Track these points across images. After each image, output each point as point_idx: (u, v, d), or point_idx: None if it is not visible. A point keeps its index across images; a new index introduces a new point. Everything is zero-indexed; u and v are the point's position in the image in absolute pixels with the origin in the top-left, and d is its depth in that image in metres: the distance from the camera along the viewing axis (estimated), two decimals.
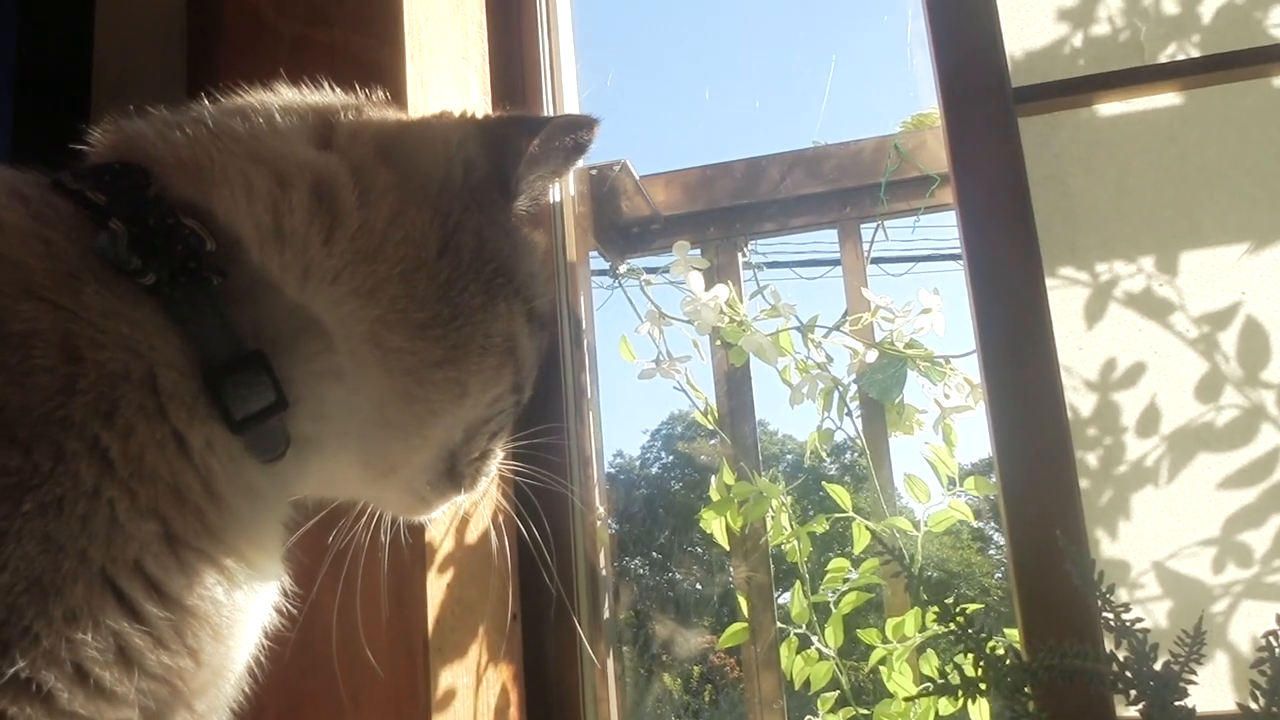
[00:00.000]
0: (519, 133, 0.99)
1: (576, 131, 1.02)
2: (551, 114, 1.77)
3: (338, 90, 1.02)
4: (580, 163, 1.08)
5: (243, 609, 0.84)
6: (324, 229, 0.86)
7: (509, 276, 0.96)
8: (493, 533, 1.20)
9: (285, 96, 0.98)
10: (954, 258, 2.16)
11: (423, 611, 1.34)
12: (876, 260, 2.42)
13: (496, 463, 1.06)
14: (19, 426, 0.71)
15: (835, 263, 2.43)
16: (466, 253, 0.92)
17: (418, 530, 1.26)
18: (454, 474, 1.01)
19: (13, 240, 0.77)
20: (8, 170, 0.85)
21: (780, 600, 2.26)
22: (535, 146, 0.99)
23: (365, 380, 0.89)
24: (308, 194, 0.86)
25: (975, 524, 2.19)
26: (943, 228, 2.42)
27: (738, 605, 2.23)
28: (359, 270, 0.87)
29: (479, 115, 1.03)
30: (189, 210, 0.84)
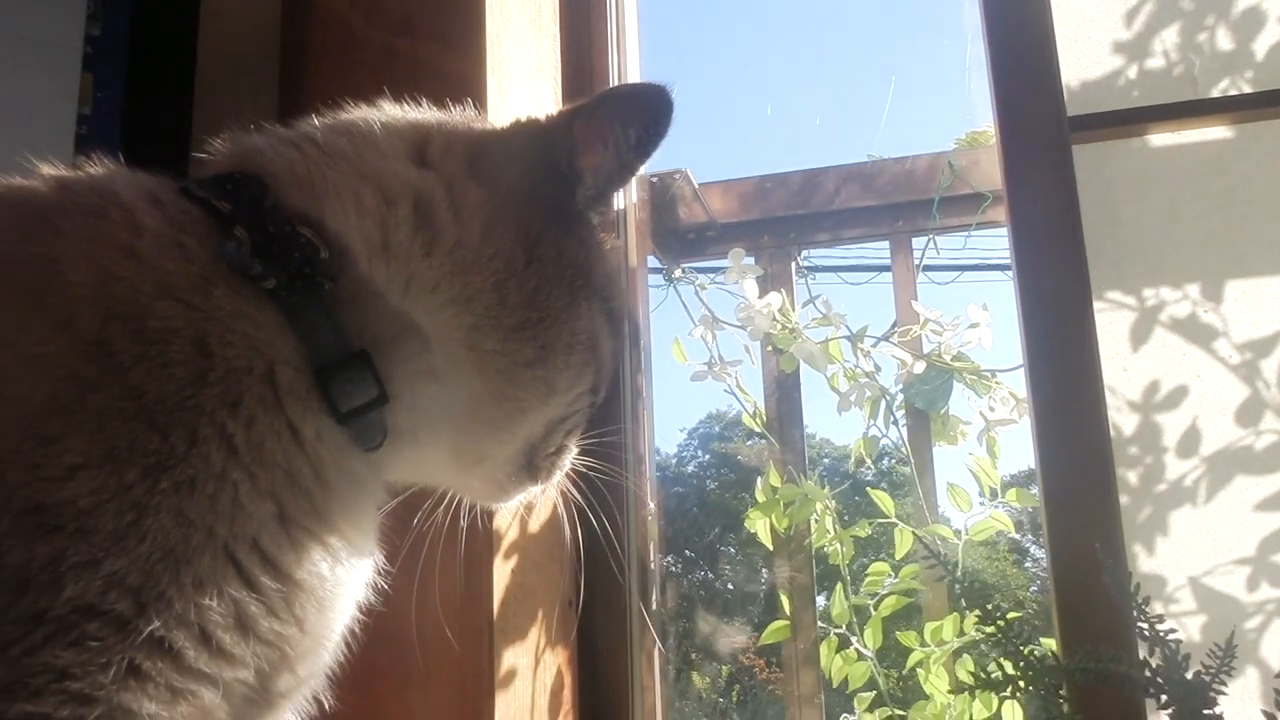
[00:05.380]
0: (570, 120, 1.00)
1: (634, 116, 0.98)
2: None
3: (430, 104, 1.09)
4: (647, 160, 1.03)
5: (343, 583, 0.92)
6: (425, 244, 0.93)
7: (587, 278, 1.02)
8: (564, 521, 1.28)
9: (386, 113, 1.05)
10: (1002, 268, 2.20)
11: (489, 594, 1.42)
12: (927, 268, 2.46)
13: (570, 457, 1.14)
14: (158, 412, 0.79)
15: (885, 268, 2.47)
16: (549, 262, 0.99)
17: (489, 517, 1.34)
18: (532, 466, 1.08)
19: (153, 244, 0.84)
20: (143, 174, 0.93)
21: (820, 600, 2.32)
22: (584, 128, 0.99)
23: (459, 379, 0.96)
24: (411, 211, 0.94)
25: (1013, 535, 2.22)
26: (993, 244, 2.46)
27: (779, 603, 2.29)
28: (456, 281, 0.94)
29: (543, 118, 1.05)
30: (303, 221, 0.91)
